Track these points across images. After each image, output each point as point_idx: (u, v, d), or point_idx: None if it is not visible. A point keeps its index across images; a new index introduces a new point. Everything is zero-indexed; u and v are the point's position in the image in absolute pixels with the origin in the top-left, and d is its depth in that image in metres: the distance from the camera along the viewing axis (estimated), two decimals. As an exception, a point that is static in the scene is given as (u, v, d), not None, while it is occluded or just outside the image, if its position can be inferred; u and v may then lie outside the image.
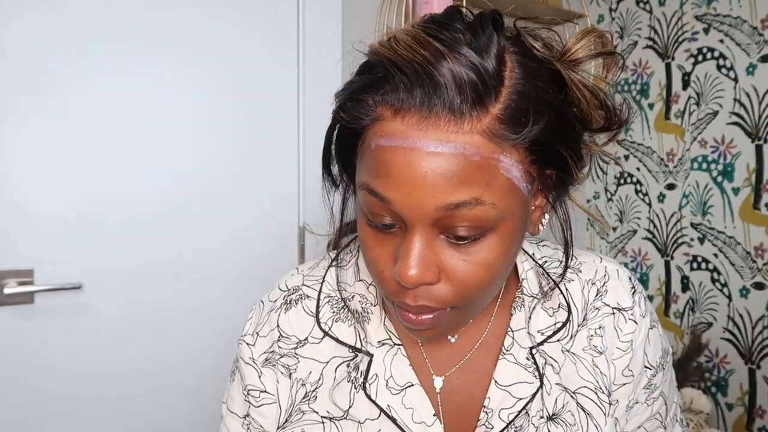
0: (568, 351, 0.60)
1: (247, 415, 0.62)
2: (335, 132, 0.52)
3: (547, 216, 0.54)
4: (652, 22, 1.68)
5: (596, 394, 0.59)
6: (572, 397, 0.58)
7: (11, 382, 1.15)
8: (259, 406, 0.60)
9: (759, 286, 1.46)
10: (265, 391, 0.60)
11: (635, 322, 0.61)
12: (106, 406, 1.24)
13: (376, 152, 0.45)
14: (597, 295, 0.62)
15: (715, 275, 1.55)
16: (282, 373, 0.60)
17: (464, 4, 1.41)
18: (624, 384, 0.61)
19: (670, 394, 0.65)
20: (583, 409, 0.58)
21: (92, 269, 1.21)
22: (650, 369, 0.62)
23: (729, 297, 1.52)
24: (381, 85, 0.45)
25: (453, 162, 0.43)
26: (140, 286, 1.26)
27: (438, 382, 0.59)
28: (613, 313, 0.61)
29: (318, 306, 0.61)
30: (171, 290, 1.30)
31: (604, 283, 0.63)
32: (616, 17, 1.79)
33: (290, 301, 0.62)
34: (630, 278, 0.65)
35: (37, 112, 1.15)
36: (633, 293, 0.63)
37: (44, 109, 1.16)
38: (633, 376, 0.61)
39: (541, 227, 0.54)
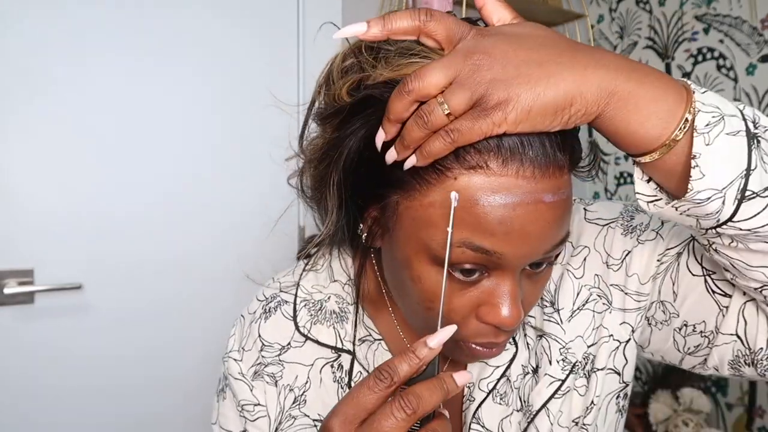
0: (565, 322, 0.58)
1: (245, 431, 0.62)
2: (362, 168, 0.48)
3: None
4: (652, 22, 1.68)
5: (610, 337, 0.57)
6: (585, 358, 0.57)
7: (11, 382, 1.15)
8: (254, 420, 0.61)
9: (759, 286, 1.45)
10: (259, 404, 0.61)
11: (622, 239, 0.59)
12: (107, 405, 1.24)
13: (484, 207, 0.41)
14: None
15: (715, 275, 1.55)
16: (268, 382, 0.60)
17: (464, 5, 1.41)
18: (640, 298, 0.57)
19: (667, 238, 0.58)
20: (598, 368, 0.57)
21: (92, 269, 1.21)
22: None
23: (729, 297, 1.52)
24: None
25: (562, 207, 0.44)
26: (140, 286, 1.26)
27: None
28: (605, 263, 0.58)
29: (295, 310, 0.61)
30: (171, 290, 1.30)
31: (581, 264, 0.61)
32: (616, 17, 1.79)
33: (269, 310, 0.63)
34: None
35: (37, 113, 1.15)
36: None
37: (44, 110, 1.16)
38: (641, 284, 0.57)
39: None
